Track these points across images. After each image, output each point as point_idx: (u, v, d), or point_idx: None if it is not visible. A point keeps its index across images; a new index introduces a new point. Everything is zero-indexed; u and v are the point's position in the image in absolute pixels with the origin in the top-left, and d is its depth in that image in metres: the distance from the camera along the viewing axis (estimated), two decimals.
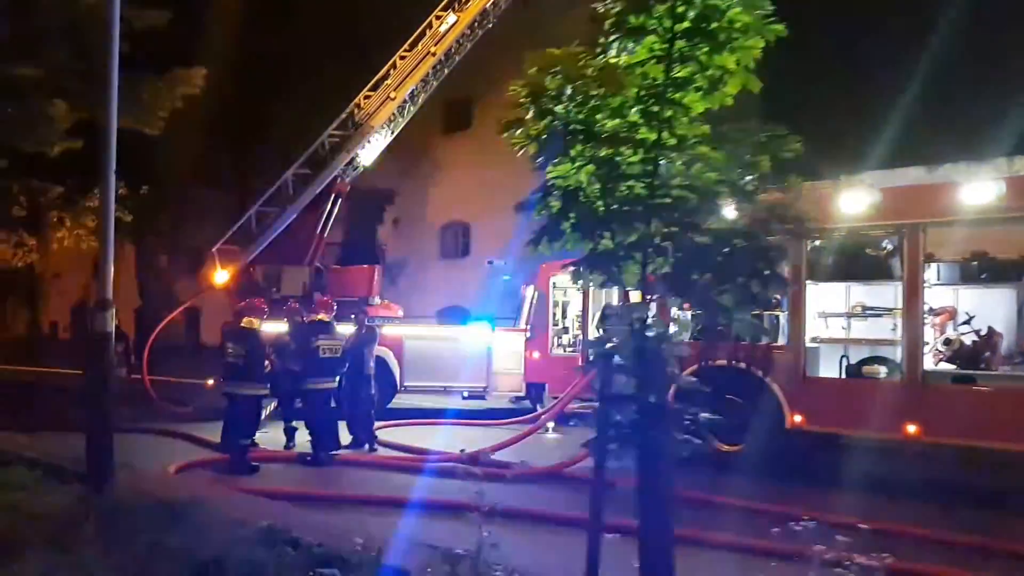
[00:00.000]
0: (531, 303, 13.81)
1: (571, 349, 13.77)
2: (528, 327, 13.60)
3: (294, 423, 10.43)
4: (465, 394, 13.57)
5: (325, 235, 14.67)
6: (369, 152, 14.95)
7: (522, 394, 13.57)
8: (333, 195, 14.47)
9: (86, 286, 35.08)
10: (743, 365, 8.76)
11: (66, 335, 35.68)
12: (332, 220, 14.78)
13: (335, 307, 9.64)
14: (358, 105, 14.47)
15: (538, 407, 13.19)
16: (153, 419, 12.83)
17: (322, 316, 9.54)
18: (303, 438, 10.47)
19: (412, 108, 14.90)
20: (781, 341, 8.81)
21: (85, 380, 7.17)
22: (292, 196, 14.19)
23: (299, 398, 9.62)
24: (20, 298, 30.61)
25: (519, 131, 3.82)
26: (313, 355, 9.37)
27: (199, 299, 14.93)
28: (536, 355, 13.45)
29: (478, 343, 13.29)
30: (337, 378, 9.46)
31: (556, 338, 13.66)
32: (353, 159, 14.62)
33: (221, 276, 13.94)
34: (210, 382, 13.74)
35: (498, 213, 23.86)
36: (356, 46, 17.68)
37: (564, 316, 13.93)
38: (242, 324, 9.14)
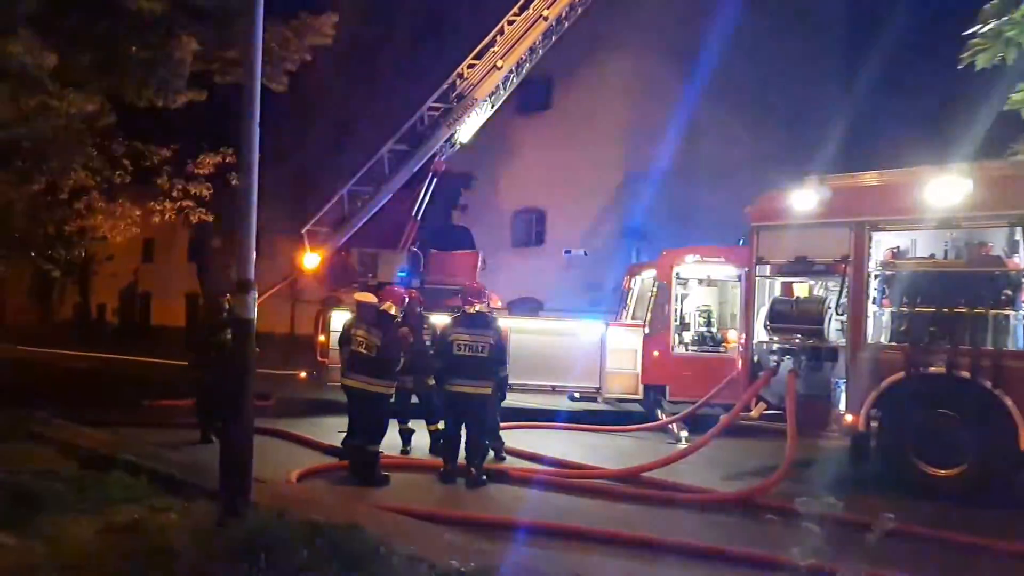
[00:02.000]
0: (650, 296, 12.47)
1: (694, 348, 12.45)
2: (646, 322, 12.28)
3: (411, 425, 9.25)
4: (576, 395, 12.28)
5: (419, 218, 13.46)
6: (468, 128, 13.69)
7: (638, 397, 12.25)
8: (430, 174, 13.24)
9: (136, 269, 34.34)
10: (965, 374, 7.38)
11: (114, 319, 35.05)
12: (426, 202, 13.57)
13: (483, 295, 8.21)
14: (460, 75, 13.20)
15: (659, 413, 11.89)
16: None
17: (479, 307, 8.12)
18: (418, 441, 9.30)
19: (515, 80, 13.62)
20: (1012, 346, 7.40)
21: (223, 375, 6.00)
22: (387, 175, 12.98)
23: (440, 401, 8.39)
24: (70, 279, 29.85)
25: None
26: (448, 351, 8.08)
27: (287, 284, 13.84)
28: (656, 354, 12.13)
29: (590, 339, 11.99)
30: (487, 383, 8.03)
31: (678, 335, 12.34)
32: (452, 135, 13.38)
33: (311, 259, 12.80)
34: (303, 374, 12.63)
35: (576, 199, 22.62)
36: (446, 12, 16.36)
37: (683, 310, 12.59)
38: (382, 308, 7.90)
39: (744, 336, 9.13)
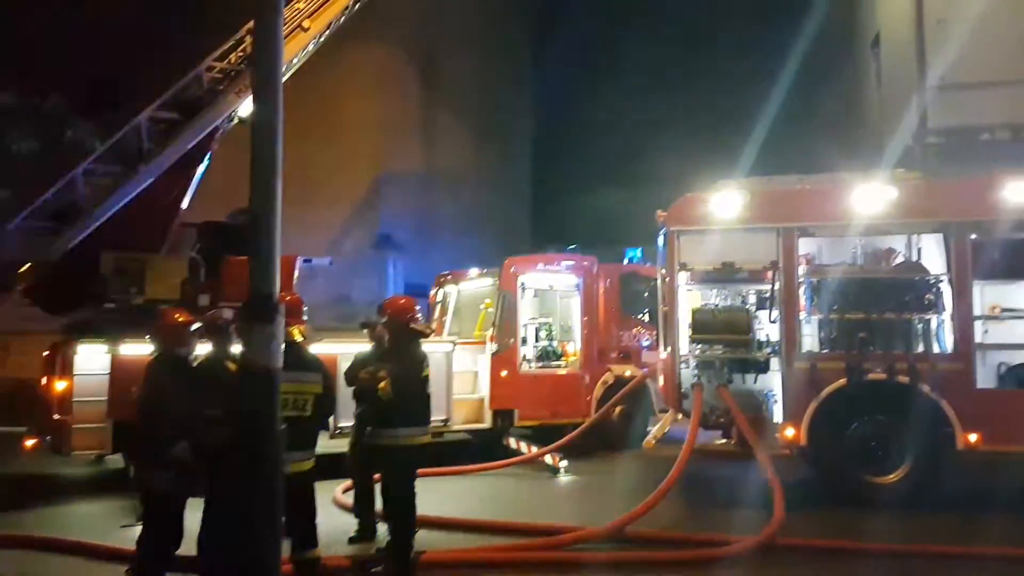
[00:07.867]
0: (492, 308, 11.02)
1: (539, 365, 11.31)
2: (491, 339, 10.80)
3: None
4: None
5: (182, 210, 10.01)
6: (250, 101, 10.60)
7: (485, 426, 10.69)
8: (207, 154, 9.86)
9: None
10: (904, 379, 7.51)
11: None
12: (194, 191, 10.17)
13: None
14: (252, 31, 10.05)
15: (513, 441, 10.46)
16: None
17: (423, 327, 6.03)
18: None
19: (312, 48, 10.94)
20: (939, 349, 7.75)
21: None
22: (146, 152, 9.31)
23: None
24: None
25: None
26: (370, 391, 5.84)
27: None
28: (504, 374, 10.72)
29: (434, 363, 10.02)
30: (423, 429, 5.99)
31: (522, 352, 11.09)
32: (234, 109, 10.19)
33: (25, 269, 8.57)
34: (30, 442, 8.30)
35: (315, 201, 19.66)
36: None
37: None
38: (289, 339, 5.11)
39: (669, 350, 8.27)
